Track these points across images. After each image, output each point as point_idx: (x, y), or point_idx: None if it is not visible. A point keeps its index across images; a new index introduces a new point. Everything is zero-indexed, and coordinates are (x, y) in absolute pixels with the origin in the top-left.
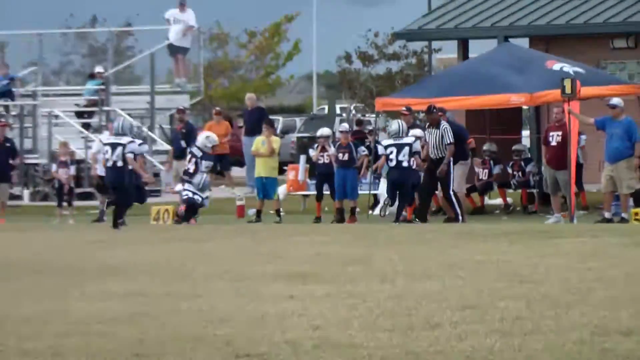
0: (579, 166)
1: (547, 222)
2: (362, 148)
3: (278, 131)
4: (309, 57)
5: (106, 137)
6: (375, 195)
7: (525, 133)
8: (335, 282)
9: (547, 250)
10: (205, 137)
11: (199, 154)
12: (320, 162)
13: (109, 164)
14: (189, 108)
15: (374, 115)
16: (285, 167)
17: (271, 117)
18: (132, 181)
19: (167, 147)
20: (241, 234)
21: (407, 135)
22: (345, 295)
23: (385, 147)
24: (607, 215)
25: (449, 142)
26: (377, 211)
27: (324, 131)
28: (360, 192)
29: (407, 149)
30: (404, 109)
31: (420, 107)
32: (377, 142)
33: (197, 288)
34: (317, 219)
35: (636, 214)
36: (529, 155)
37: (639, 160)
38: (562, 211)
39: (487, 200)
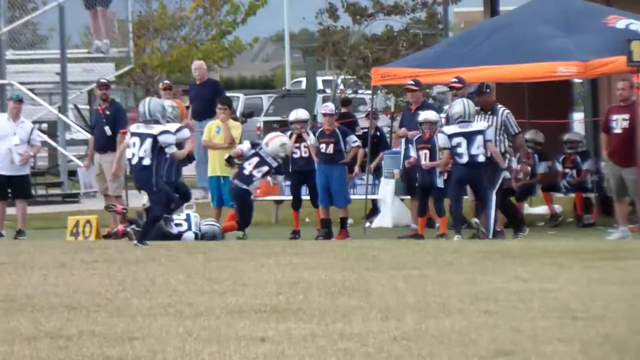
0: None
1: (609, 237)
2: (353, 137)
3: (238, 113)
4: (279, 11)
5: (135, 125)
6: (373, 202)
7: (577, 116)
8: (323, 318)
9: (610, 277)
10: (281, 145)
11: (274, 163)
12: (296, 156)
13: (134, 160)
14: (115, 81)
15: (369, 92)
16: None
17: (229, 94)
18: (163, 184)
19: (86, 135)
20: (192, 255)
21: (473, 118)
22: (336, 336)
23: (450, 137)
24: None
25: (515, 131)
26: (378, 223)
27: (300, 114)
28: (353, 196)
29: (479, 138)
30: (410, 82)
31: (434, 80)
32: (439, 130)
33: (134, 327)
34: (295, 234)
35: None
36: (585, 148)
37: None
38: (631, 223)
39: (528, 208)
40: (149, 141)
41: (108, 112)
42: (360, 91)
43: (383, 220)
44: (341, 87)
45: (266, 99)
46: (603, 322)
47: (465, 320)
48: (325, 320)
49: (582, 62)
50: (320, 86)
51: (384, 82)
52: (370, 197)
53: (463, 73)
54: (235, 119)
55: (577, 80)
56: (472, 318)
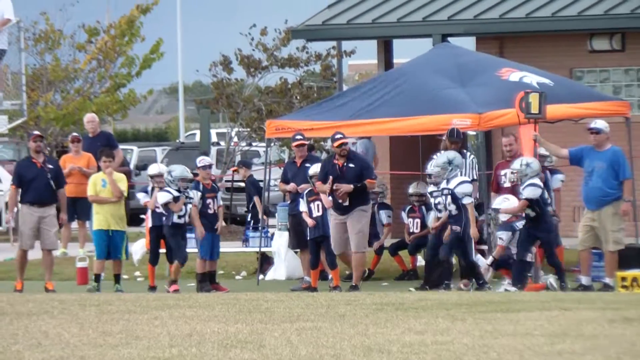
0: None
1: (500, 289)
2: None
3: (132, 166)
4: (173, 64)
5: None
6: (263, 255)
7: None
8: None
9: (503, 328)
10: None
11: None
12: (159, 210)
13: None
14: (7, 134)
15: (263, 144)
16: (143, 216)
17: (122, 146)
18: None
19: None
20: (84, 307)
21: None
22: None
23: None
24: (584, 280)
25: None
26: (272, 275)
27: (161, 168)
28: (245, 249)
29: None
30: (296, 136)
31: (328, 133)
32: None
33: None
34: (152, 289)
35: (623, 278)
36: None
37: (628, 205)
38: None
39: (421, 261)
40: None
41: (50, 166)
42: (254, 143)
43: (276, 272)
44: (235, 139)
45: (160, 152)
46: None
47: None
48: None
49: (477, 114)
50: (214, 138)
51: (278, 135)
52: (264, 249)
53: (359, 126)
54: (128, 170)
55: (471, 132)
56: None
